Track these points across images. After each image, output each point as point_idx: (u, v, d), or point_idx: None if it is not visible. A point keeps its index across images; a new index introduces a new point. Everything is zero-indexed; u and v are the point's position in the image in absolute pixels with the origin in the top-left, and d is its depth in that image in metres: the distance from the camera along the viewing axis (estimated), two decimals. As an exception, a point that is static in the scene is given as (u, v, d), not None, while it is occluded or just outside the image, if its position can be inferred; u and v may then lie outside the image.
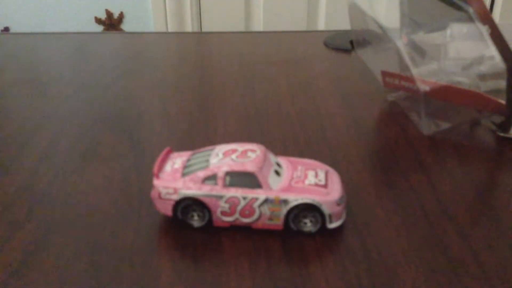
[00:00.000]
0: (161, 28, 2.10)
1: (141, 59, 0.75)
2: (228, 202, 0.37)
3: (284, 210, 0.37)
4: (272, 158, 0.40)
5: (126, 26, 2.14)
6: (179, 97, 0.62)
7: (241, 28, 2.13)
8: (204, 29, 2.15)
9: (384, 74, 0.59)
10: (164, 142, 0.52)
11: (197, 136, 0.53)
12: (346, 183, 0.45)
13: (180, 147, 0.51)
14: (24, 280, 0.34)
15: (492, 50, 0.47)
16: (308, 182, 0.38)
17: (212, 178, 0.37)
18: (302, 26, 2.14)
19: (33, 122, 0.56)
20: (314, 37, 0.86)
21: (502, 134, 0.52)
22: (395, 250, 0.37)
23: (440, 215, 0.40)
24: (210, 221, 0.39)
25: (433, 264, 0.35)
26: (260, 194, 0.37)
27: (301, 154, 0.49)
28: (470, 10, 0.47)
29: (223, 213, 0.38)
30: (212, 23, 2.12)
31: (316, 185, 0.38)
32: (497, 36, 0.46)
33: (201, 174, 0.38)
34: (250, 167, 0.37)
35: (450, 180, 0.45)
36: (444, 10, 0.49)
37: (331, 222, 0.38)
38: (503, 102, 0.49)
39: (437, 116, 0.52)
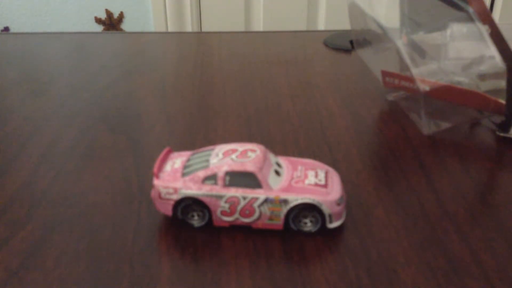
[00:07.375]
0: (161, 28, 2.10)
1: (141, 59, 0.75)
2: (228, 202, 0.37)
3: (284, 210, 0.37)
4: (272, 158, 0.40)
5: (126, 26, 2.14)
6: (179, 97, 0.62)
7: (241, 28, 2.13)
8: (204, 29, 2.15)
9: (384, 74, 0.59)
10: (164, 142, 0.52)
11: (197, 136, 0.53)
12: (346, 183, 0.45)
13: (180, 147, 0.51)
14: (24, 280, 0.34)
15: (492, 50, 0.46)
16: (308, 182, 0.38)
17: (212, 178, 0.37)
18: (302, 26, 2.14)
19: (33, 122, 0.56)
20: (314, 37, 0.86)
21: (502, 134, 0.52)
22: (395, 250, 0.37)
23: (440, 215, 0.40)
24: (210, 221, 0.39)
25: (433, 264, 0.35)
26: (260, 194, 0.37)
27: (301, 154, 0.49)
28: (470, 10, 0.47)
29: (223, 213, 0.38)
30: (212, 23, 2.12)
31: (316, 185, 0.38)
32: (497, 36, 0.46)
33: (201, 174, 0.38)
34: (250, 167, 0.37)
35: (450, 180, 0.45)
36: (444, 10, 0.49)
37: (331, 222, 0.38)
38: (503, 102, 0.49)
39: (437, 116, 0.52)
